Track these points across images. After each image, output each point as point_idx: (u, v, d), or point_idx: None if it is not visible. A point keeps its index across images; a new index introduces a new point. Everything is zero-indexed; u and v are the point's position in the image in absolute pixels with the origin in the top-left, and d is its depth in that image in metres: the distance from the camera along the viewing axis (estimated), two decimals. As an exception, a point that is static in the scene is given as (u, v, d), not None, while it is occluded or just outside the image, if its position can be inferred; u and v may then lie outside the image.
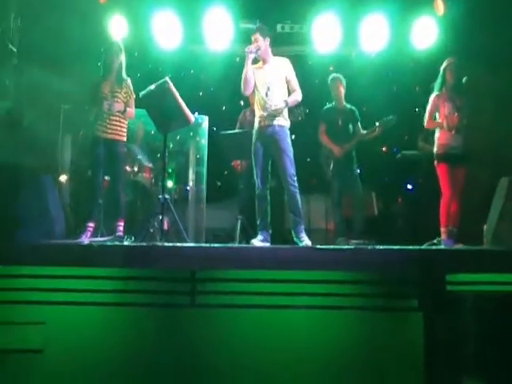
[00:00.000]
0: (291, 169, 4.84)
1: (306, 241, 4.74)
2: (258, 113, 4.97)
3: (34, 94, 5.75)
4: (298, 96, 5.00)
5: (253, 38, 5.00)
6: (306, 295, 3.83)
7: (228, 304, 3.79)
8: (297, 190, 4.84)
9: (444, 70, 5.33)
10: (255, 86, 4.96)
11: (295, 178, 4.85)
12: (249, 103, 6.49)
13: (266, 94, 4.89)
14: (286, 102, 4.90)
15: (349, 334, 3.77)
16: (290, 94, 5.00)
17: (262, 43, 4.96)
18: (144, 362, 3.65)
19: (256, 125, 4.99)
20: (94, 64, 5.56)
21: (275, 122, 4.89)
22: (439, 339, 3.67)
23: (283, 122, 4.93)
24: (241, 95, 5.14)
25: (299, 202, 4.86)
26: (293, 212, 4.84)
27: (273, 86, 4.92)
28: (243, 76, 4.91)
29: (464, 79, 5.25)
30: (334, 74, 6.05)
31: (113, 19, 6.33)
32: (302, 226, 4.84)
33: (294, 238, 4.81)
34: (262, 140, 4.91)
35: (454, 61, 5.33)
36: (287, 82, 4.99)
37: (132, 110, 5.26)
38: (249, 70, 4.90)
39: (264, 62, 5.05)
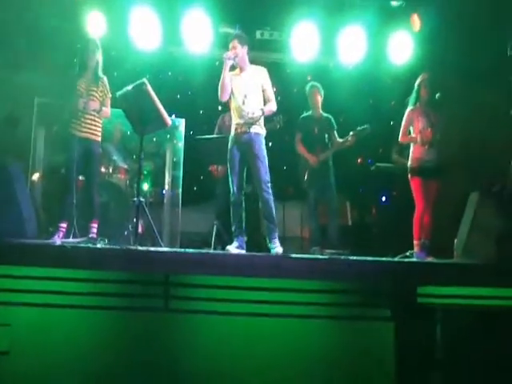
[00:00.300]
0: (266, 176, 4.86)
1: (277, 248, 4.76)
2: (235, 120, 4.98)
3: (5, 85, 5.63)
4: (273, 106, 5.04)
5: (231, 45, 5.00)
6: (279, 303, 3.84)
7: (201, 310, 3.77)
8: (271, 197, 4.86)
9: (418, 85, 5.43)
10: (232, 92, 4.98)
11: (269, 185, 4.88)
12: (227, 108, 6.48)
13: (243, 102, 4.91)
14: (262, 110, 4.93)
15: (321, 342, 3.79)
16: (265, 103, 5.03)
17: (240, 51, 4.96)
18: (114, 365, 3.60)
19: (232, 131, 5.00)
20: (70, 60, 5.48)
21: (251, 130, 4.91)
22: (410, 348, 3.73)
23: (259, 129, 4.96)
24: (219, 100, 5.12)
25: (273, 209, 4.89)
26: (267, 218, 4.87)
27: (249, 93, 4.95)
28: (220, 82, 4.92)
29: (437, 95, 5.35)
30: (312, 83, 6.10)
31: (90, 15, 6.21)
32: (276, 233, 4.87)
33: (268, 244, 4.83)
34: (238, 147, 4.92)
35: (427, 76, 5.44)
36: (263, 91, 5.02)
37: (107, 110, 5.19)
38: (226, 76, 4.90)
39: (241, 69, 5.06)
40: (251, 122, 4.90)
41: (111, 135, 6.31)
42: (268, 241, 4.83)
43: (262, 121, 4.99)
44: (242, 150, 4.91)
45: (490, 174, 5.49)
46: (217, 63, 7.36)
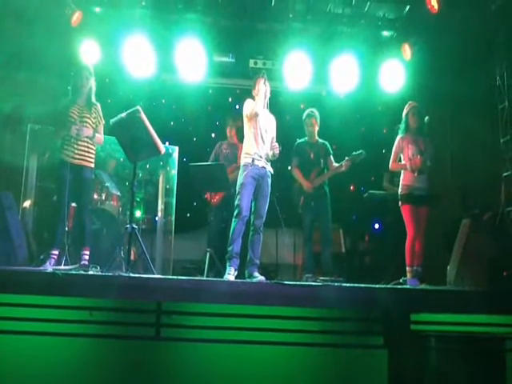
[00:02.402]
0: (265, 214, 5.00)
1: (258, 277, 4.77)
2: (253, 149, 5.02)
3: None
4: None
5: (258, 80, 5.07)
6: (271, 331, 3.83)
7: (193, 338, 3.74)
8: (262, 235, 4.99)
9: (406, 114, 5.51)
10: (258, 122, 5.05)
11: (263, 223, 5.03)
12: (225, 136, 6.53)
13: (265, 135, 5.04)
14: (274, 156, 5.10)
15: (314, 369, 3.78)
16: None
17: (265, 90, 5.07)
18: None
19: (249, 160, 5.01)
20: (64, 87, 5.51)
21: (268, 168, 5.05)
22: (403, 375, 3.71)
23: (270, 169, 5.11)
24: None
25: (260, 245, 4.98)
26: (252, 251, 4.91)
27: (268, 129, 5.10)
28: (257, 109, 4.99)
29: (426, 119, 5.43)
30: (310, 111, 6.10)
31: (84, 43, 6.28)
32: (256, 267, 4.90)
33: (247, 277, 4.82)
34: (255, 177, 4.98)
35: (414, 105, 5.52)
36: (272, 138, 5.17)
37: (101, 136, 5.20)
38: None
39: (264, 107, 5.16)
40: (268, 159, 5.06)
41: (105, 162, 6.32)
42: (248, 274, 4.84)
43: None
44: (257, 182, 4.99)
45: (480, 200, 5.54)
46: (210, 91, 7.49)
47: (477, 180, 5.79)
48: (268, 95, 5.11)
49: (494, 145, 5.76)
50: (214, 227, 6.22)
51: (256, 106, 5.00)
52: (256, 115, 5.00)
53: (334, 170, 5.92)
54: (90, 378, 3.58)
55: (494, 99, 5.81)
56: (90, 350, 3.64)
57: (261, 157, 5.01)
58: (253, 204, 5.00)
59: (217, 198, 6.22)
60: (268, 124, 5.14)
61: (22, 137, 6.16)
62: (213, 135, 6.73)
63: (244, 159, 5.07)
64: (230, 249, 4.85)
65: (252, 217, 4.95)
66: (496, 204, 5.34)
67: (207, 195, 6.28)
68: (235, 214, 4.90)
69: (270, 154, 5.07)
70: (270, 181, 5.06)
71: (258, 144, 5.03)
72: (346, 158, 5.86)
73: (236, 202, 4.94)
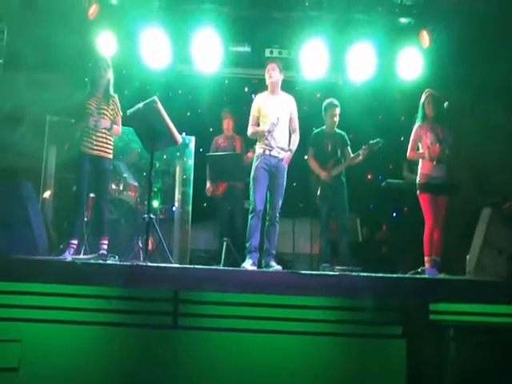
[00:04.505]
0: (280, 204, 5.01)
1: (275, 267, 4.79)
2: (263, 140, 5.02)
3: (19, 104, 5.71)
4: (297, 139, 5.22)
5: (269, 66, 5.13)
6: (288, 320, 3.82)
7: (210, 327, 3.75)
8: (278, 224, 5.02)
9: (423, 103, 5.42)
10: (262, 115, 5.06)
11: (280, 213, 5.03)
12: (221, 130, 6.56)
13: (276, 123, 5.00)
14: (291, 150, 5.13)
15: (332, 359, 3.76)
16: (290, 131, 5.20)
17: (278, 75, 5.13)
18: (123, 381, 3.59)
19: (260, 151, 5.02)
20: (82, 79, 5.54)
21: (280, 155, 5.04)
22: (422, 366, 3.69)
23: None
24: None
25: (277, 236, 5.03)
26: (268, 242, 4.94)
27: (281, 117, 5.07)
28: (256, 131, 5.12)
29: (445, 104, 5.34)
30: (331, 101, 6.02)
31: (101, 35, 6.33)
32: (273, 257, 4.98)
33: (263, 266, 4.91)
34: (267, 168, 4.99)
35: (431, 92, 5.42)
36: (290, 120, 5.13)
37: (118, 128, 5.23)
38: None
39: (273, 93, 5.21)
40: (281, 148, 5.04)
41: (126, 153, 6.37)
42: (265, 263, 4.92)
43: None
44: (270, 173, 4.97)
45: (500, 189, 5.45)
46: (226, 81, 7.47)
47: (496, 168, 5.70)
48: (273, 80, 5.11)
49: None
50: (223, 219, 6.26)
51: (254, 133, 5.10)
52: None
53: (352, 160, 5.89)
54: (107, 366, 3.61)
55: (515, 86, 5.70)
56: (107, 339, 3.66)
57: (272, 146, 4.97)
58: (268, 195, 4.99)
59: (220, 189, 6.24)
60: (280, 109, 5.08)
61: (41, 128, 6.23)
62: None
63: (256, 150, 5.08)
64: (248, 244, 4.88)
65: (267, 207, 4.95)
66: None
67: (209, 188, 6.29)
68: (250, 209, 4.92)
69: (286, 154, 5.05)
70: (284, 169, 5.03)
71: (268, 133, 4.99)
72: (363, 146, 5.82)
73: (250, 198, 4.96)
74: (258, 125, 5.15)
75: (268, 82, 5.19)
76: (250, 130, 5.19)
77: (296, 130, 5.21)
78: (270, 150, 4.99)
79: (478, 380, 3.60)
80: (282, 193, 5.02)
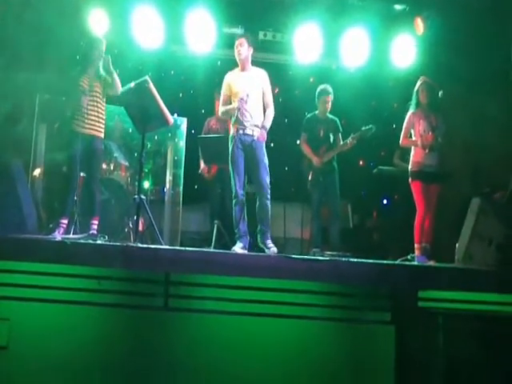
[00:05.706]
0: (267, 180, 4.90)
1: (272, 247, 4.78)
2: (236, 120, 4.94)
3: (7, 83, 5.60)
4: (271, 114, 5.08)
5: (237, 43, 5.02)
6: (279, 304, 3.83)
7: (201, 309, 3.75)
8: (269, 202, 4.90)
9: (417, 90, 5.42)
10: (233, 93, 4.97)
11: (269, 190, 4.91)
12: (213, 111, 6.48)
13: (246, 102, 4.90)
14: (264, 127, 4.99)
15: (321, 344, 3.78)
16: (263, 107, 5.09)
17: (246, 50, 4.99)
18: (113, 362, 3.58)
19: (233, 131, 4.97)
20: (73, 57, 5.46)
21: (254, 133, 4.91)
22: (410, 352, 3.72)
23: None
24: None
25: (269, 213, 4.92)
26: (261, 221, 4.89)
27: (251, 94, 4.97)
28: (226, 112, 5.07)
29: (440, 93, 5.34)
30: (324, 87, 5.99)
31: (93, 13, 6.21)
32: (269, 234, 4.92)
33: (260, 245, 4.84)
34: (241, 148, 4.92)
35: (425, 80, 5.42)
36: (263, 94, 5.02)
37: (118, 83, 5.10)
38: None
39: (243, 69, 5.10)
40: (255, 125, 4.93)
41: (113, 132, 6.27)
42: (261, 242, 4.85)
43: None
44: (246, 152, 4.90)
45: (491, 179, 5.49)
46: (219, 63, 7.40)
47: (488, 158, 5.73)
48: (241, 57, 5.04)
49: (508, 123, 5.67)
50: (214, 201, 6.24)
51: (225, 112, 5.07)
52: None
53: (344, 146, 5.89)
54: (97, 346, 3.60)
55: (508, 77, 5.71)
56: (97, 319, 3.65)
57: (244, 125, 4.91)
58: (251, 175, 4.95)
59: (212, 172, 6.21)
60: (250, 85, 4.99)
61: (31, 107, 6.13)
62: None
63: (231, 131, 5.03)
64: (236, 230, 4.86)
65: (254, 188, 4.92)
66: (507, 183, 5.29)
67: (203, 169, 6.26)
68: (233, 195, 4.89)
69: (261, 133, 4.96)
70: (261, 143, 4.92)
71: (239, 112, 4.91)
72: (352, 135, 5.81)
73: (231, 183, 4.91)
74: (231, 104, 5.06)
75: (237, 58, 5.07)
76: (220, 110, 5.12)
77: (270, 105, 5.05)
78: (244, 129, 4.90)
79: (466, 366, 3.65)
80: (265, 168, 4.90)
